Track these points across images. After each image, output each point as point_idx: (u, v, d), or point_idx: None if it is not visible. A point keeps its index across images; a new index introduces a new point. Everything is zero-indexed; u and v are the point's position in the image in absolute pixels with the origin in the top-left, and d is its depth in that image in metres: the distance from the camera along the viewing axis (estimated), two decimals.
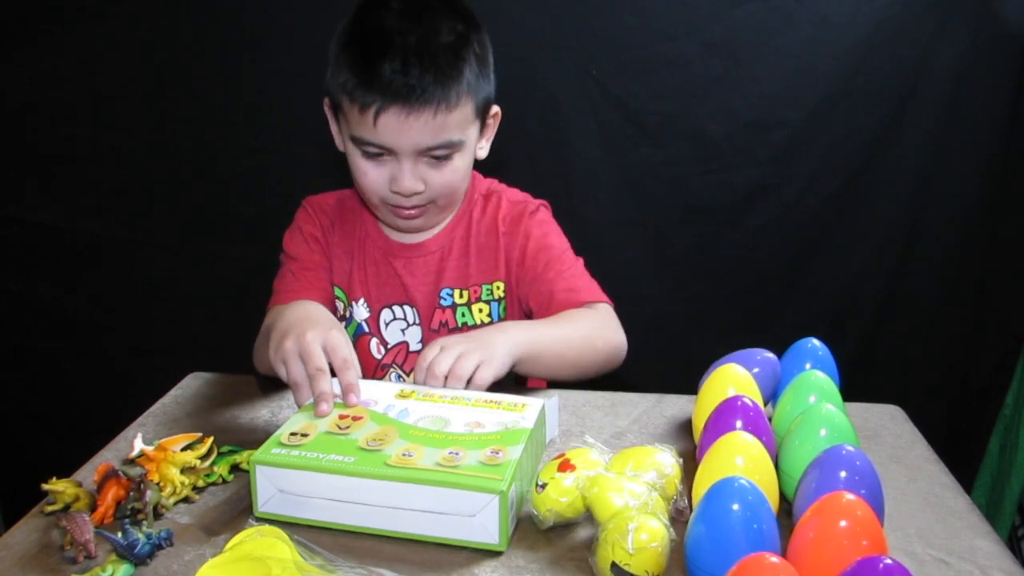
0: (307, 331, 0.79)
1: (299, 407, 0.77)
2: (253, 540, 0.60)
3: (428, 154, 0.94)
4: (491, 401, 0.76)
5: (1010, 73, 1.44)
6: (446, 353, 0.82)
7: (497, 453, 0.66)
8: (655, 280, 1.56)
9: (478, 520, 0.63)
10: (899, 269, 1.55)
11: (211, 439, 0.76)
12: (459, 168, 0.98)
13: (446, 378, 0.81)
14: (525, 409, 0.75)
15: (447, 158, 0.96)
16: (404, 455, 0.66)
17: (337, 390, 0.77)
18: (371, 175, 0.97)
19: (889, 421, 0.88)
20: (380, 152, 0.94)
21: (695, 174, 1.51)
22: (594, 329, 0.99)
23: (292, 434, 0.69)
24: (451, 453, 0.66)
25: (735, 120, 1.48)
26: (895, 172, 1.49)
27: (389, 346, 1.08)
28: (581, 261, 1.09)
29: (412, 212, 0.99)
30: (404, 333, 1.07)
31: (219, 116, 1.50)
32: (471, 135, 0.98)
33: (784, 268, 1.55)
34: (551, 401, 0.80)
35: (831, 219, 1.52)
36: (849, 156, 1.49)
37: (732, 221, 1.53)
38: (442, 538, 0.64)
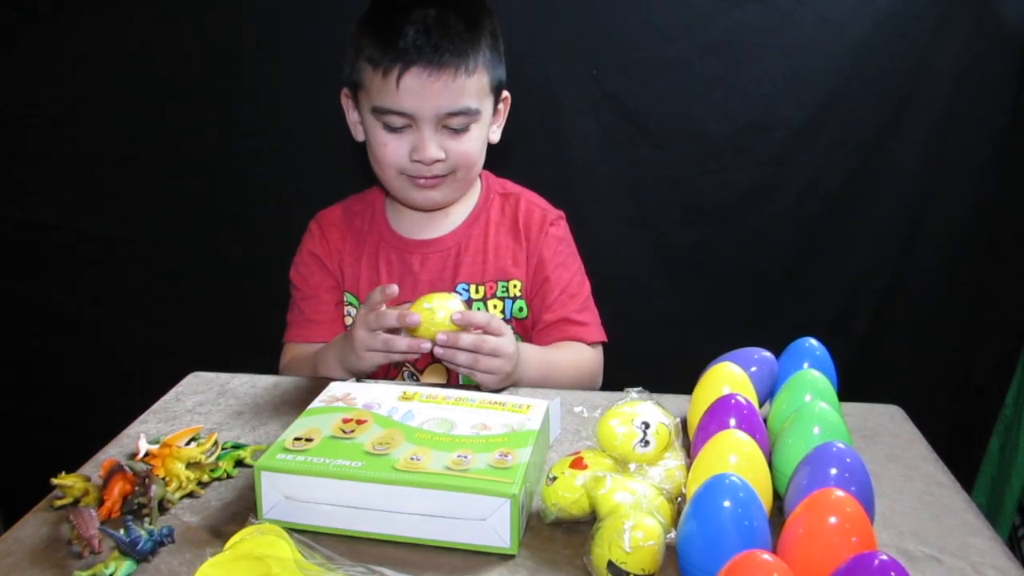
0: (356, 325, 0.89)
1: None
2: (253, 538, 0.60)
3: (447, 123, 0.98)
4: (496, 402, 0.76)
5: (1010, 73, 1.44)
6: (490, 342, 0.88)
7: (506, 456, 0.66)
8: (655, 280, 1.56)
9: (489, 524, 0.62)
10: (899, 269, 1.55)
11: (215, 434, 0.77)
12: (477, 139, 1.02)
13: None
14: (530, 411, 0.75)
15: (465, 129, 0.99)
16: (412, 459, 0.66)
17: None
18: (391, 146, 1.00)
19: (888, 421, 0.88)
20: (401, 125, 0.98)
21: (695, 174, 1.51)
22: (581, 372, 1.07)
23: (296, 439, 0.69)
24: (459, 456, 0.66)
25: (735, 120, 1.48)
26: (895, 172, 1.49)
27: None
28: (588, 286, 1.14)
29: (432, 182, 1.02)
30: None
31: (219, 116, 1.50)
32: (487, 108, 1.02)
33: (784, 268, 1.55)
34: (554, 402, 0.80)
35: (831, 219, 1.52)
36: (849, 156, 1.49)
37: (732, 221, 1.53)
38: (451, 542, 0.64)
